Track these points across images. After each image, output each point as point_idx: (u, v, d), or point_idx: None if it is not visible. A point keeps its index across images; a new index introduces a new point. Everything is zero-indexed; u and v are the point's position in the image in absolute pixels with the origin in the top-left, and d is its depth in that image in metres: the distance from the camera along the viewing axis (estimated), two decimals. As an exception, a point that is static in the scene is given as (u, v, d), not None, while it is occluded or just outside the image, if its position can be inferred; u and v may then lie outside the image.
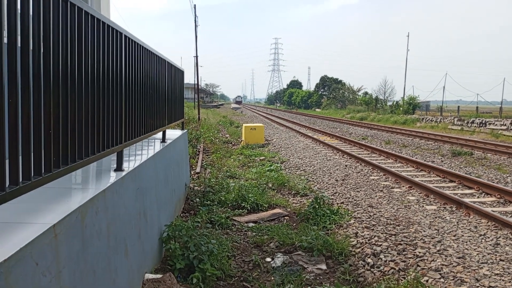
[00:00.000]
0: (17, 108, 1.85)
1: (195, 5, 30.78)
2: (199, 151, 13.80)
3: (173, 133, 7.43)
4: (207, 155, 13.63)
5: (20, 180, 1.90)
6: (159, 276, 4.05)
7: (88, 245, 2.51)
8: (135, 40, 3.93)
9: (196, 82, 33.22)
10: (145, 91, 4.51)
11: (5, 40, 1.77)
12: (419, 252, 5.04)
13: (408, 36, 46.07)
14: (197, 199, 7.46)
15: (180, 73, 7.53)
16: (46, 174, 2.14)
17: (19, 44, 1.86)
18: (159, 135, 6.14)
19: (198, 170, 10.37)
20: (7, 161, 1.80)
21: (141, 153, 4.87)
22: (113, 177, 3.37)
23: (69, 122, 2.42)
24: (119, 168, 3.59)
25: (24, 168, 1.95)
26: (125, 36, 3.58)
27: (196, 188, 8.27)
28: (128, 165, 3.81)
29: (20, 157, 1.91)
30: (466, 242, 5.42)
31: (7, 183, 1.79)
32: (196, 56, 31.54)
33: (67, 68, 2.38)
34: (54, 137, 2.24)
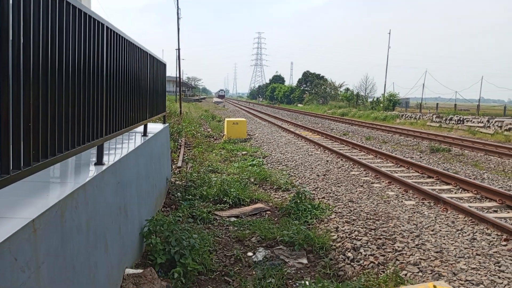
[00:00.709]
0: (-5, 100, 1.80)
1: (177, -3, 30.40)
2: (180, 145, 13.72)
3: (154, 127, 7.36)
4: (189, 149, 13.56)
5: (-1, 173, 1.86)
6: (139, 271, 4.02)
7: (67, 240, 2.47)
8: (117, 32, 3.86)
9: (178, 75, 32.93)
10: (126, 83, 4.45)
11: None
12: (398, 247, 5.13)
13: (389, 33, 46.51)
14: (179, 194, 7.42)
15: (162, 66, 7.46)
16: (25, 167, 2.10)
17: (-3, 35, 1.81)
18: (140, 128, 6.08)
19: (179, 164, 10.32)
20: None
21: (121, 147, 4.82)
22: (93, 171, 3.32)
23: (49, 115, 2.37)
24: (99, 162, 3.54)
25: (2, 162, 1.90)
26: (107, 28, 3.52)
27: (177, 182, 8.23)
28: (108, 159, 3.76)
29: (-2, 151, 1.86)
30: (444, 237, 5.54)
31: (-15, 177, 1.75)
32: (178, 49, 31.24)
33: (47, 60, 2.32)
34: (34, 130, 2.19)
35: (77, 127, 2.86)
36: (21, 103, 2.05)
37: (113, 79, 3.82)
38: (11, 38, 1.95)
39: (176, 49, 31.58)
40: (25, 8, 2.06)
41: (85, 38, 2.96)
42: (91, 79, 3.14)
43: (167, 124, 8.45)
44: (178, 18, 29.36)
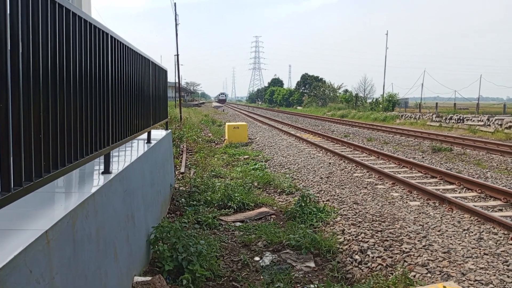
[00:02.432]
0: (8, 113, 1.80)
1: (175, 3, 30.51)
2: (182, 151, 13.72)
3: (158, 133, 7.36)
4: (191, 155, 13.55)
5: (12, 186, 1.86)
6: (148, 278, 4.01)
7: (79, 250, 2.47)
8: (120, 41, 3.88)
9: (177, 81, 32.96)
10: (131, 91, 4.46)
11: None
12: (405, 248, 5.12)
13: (387, 34, 46.56)
14: (183, 200, 7.41)
15: (164, 72, 7.47)
16: (37, 179, 2.10)
17: (9, 47, 1.81)
18: (144, 135, 6.08)
19: (182, 170, 10.31)
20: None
21: (125, 154, 4.82)
22: (101, 180, 3.32)
23: (58, 126, 2.38)
24: (106, 171, 3.54)
25: (15, 174, 1.91)
26: (111, 37, 3.53)
27: (181, 188, 8.22)
28: (111, 167, 3.75)
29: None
30: (451, 237, 5.53)
31: (-1, 190, 1.75)
32: (177, 55, 31.28)
33: (55, 71, 2.33)
34: (44, 141, 2.19)
35: (85, 136, 2.87)
36: (31, 114, 2.05)
37: (118, 87, 3.83)
38: (21, 50, 1.96)
39: (175, 55, 31.63)
40: (34, 20, 2.06)
41: (90, 48, 2.97)
42: (97, 87, 3.15)
43: (169, 130, 8.46)
44: (176, 24, 29.42)
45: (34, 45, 2.08)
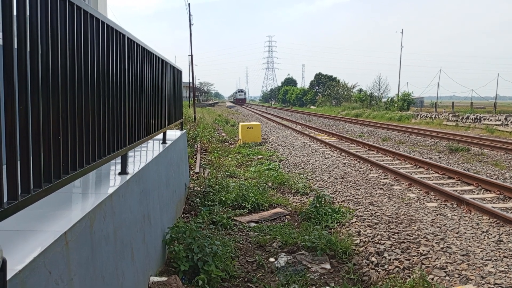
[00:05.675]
0: (28, 114, 1.81)
1: (189, 3, 30.62)
2: (196, 151, 13.76)
3: (173, 134, 7.39)
4: (205, 155, 13.59)
5: (32, 188, 1.87)
6: (164, 279, 4.02)
7: (96, 250, 2.48)
8: (137, 42, 3.89)
9: (191, 81, 33.10)
10: (146, 92, 4.47)
11: (15, 45, 1.74)
12: (423, 250, 5.04)
13: (402, 32, 46.08)
14: (198, 200, 7.43)
15: (179, 73, 7.49)
16: (55, 181, 2.11)
17: (28, 49, 1.82)
18: (160, 136, 6.10)
19: (197, 170, 10.34)
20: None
21: (140, 155, 4.84)
22: (117, 180, 3.33)
23: (77, 127, 2.38)
24: (123, 171, 3.56)
25: (34, 175, 1.92)
26: (128, 38, 3.54)
27: (196, 188, 8.24)
28: (128, 168, 3.76)
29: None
30: (469, 239, 5.43)
31: (19, 191, 1.76)
32: (191, 55, 31.40)
33: (74, 72, 2.34)
34: (63, 142, 2.20)
35: (102, 137, 2.88)
36: (51, 116, 2.06)
37: (134, 88, 3.84)
38: (40, 52, 1.96)
39: (189, 55, 31.77)
40: (52, 22, 2.07)
41: (107, 50, 2.98)
42: (114, 88, 3.16)
43: (184, 131, 8.49)
44: (190, 25, 29.53)
45: (52, 47, 2.08)
